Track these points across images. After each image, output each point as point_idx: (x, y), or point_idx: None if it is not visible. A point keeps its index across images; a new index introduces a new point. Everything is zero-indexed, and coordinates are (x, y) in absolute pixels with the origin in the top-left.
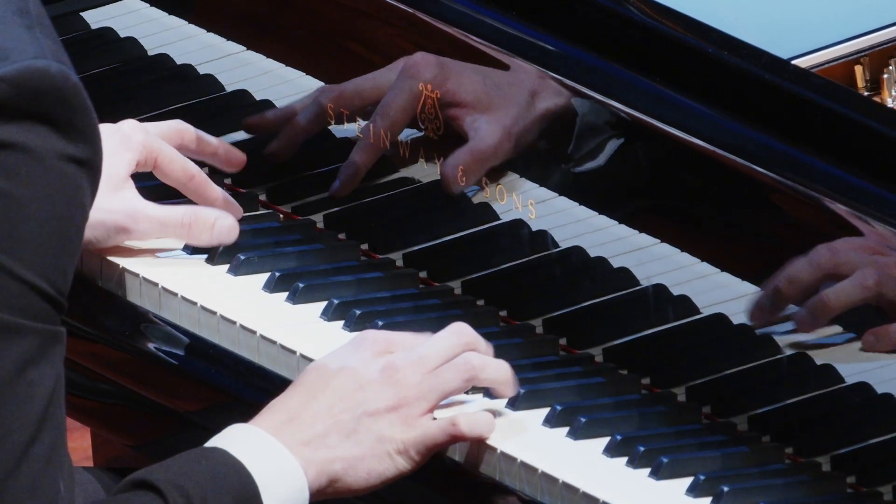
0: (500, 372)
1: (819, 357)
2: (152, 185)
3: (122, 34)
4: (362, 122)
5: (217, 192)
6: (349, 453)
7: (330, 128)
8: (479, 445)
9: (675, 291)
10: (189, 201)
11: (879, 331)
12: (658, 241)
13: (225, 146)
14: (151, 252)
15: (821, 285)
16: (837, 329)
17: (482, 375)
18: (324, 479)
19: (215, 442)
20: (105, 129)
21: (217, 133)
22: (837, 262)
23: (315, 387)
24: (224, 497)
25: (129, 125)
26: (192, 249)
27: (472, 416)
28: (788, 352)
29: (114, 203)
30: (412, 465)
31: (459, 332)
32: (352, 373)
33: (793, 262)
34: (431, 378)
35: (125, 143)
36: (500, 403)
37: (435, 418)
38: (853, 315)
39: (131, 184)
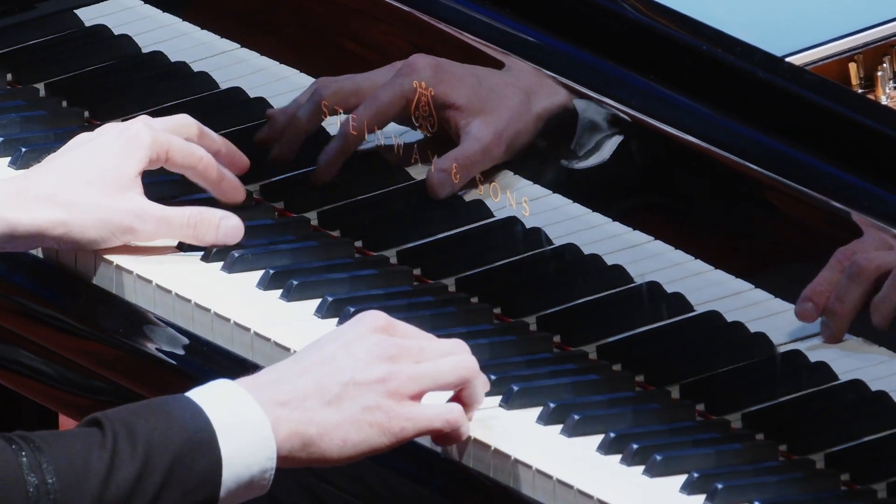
0: (487, 389)
1: (813, 354)
2: (158, 182)
3: (116, 32)
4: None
5: (224, 173)
6: (327, 419)
7: (323, 124)
8: (472, 443)
9: (669, 289)
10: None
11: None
12: (652, 238)
13: (229, 147)
14: (146, 250)
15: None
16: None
17: (475, 381)
18: (297, 441)
19: (187, 393)
20: (112, 128)
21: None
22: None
23: (307, 353)
24: (174, 437)
25: (137, 124)
26: (187, 247)
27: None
28: (782, 349)
29: (120, 203)
30: (390, 442)
31: (461, 345)
32: (346, 343)
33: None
34: (426, 365)
35: (134, 141)
36: (494, 401)
37: None
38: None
39: (139, 184)
